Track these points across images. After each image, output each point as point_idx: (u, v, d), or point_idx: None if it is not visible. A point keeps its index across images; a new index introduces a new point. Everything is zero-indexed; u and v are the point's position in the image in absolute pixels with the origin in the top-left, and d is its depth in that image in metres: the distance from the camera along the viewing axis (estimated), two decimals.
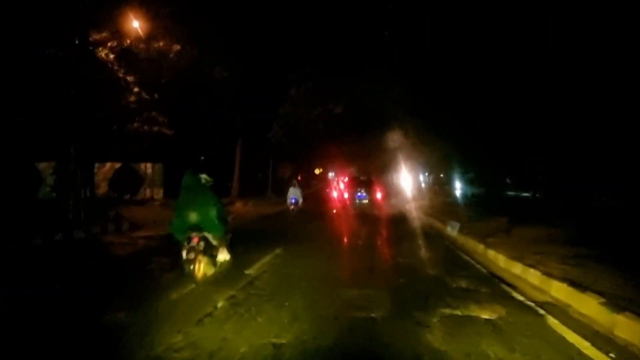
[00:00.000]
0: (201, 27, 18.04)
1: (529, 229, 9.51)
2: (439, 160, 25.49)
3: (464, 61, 17.87)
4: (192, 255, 5.39)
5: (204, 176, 5.87)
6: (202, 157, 24.33)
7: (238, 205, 18.71)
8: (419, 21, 19.38)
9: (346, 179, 27.58)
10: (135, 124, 17.89)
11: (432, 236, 10.97)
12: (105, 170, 18.91)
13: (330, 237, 10.92)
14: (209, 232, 5.60)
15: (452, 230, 10.93)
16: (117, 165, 18.88)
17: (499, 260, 7.26)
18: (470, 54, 17.54)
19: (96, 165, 18.97)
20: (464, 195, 21.21)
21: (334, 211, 19.52)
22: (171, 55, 17.75)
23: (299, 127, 21.36)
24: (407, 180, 28.59)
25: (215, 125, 19.98)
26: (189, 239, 5.47)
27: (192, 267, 5.40)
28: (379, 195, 20.51)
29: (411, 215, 16.37)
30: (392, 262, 7.43)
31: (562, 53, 13.69)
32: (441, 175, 33.71)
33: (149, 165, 18.99)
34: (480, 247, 8.35)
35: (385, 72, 21.20)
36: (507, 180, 22.18)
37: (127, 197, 18.44)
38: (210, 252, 5.69)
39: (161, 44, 17.70)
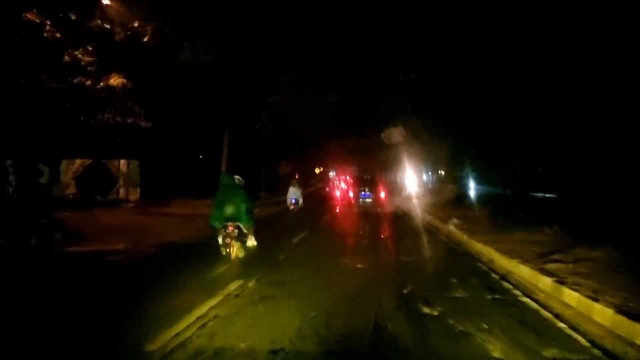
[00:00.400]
0: (179, 5, 14.85)
1: (598, 248, 6.35)
2: (446, 158, 22.64)
3: (471, 59, 15.37)
4: (227, 240, 6.16)
5: (237, 177, 6.60)
6: (201, 156, 21.53)
7: None
8: (420, 19, 17.06)
9: (348, 177, 25.38)
10: (107, 115, 14.81)
11: (457, 254, 7.77)
12: (75, 167, 15.85)
13: (319, 257, 7.61)
14: (240, 222, 6.30)
15: (482, 245, 7.75)
16: (88, 162, 15.80)
17: (594, 313, 4.07)
18: (476, 52, 15.10)
19: (64, 162, 15.94)
20: (477, 196, 18.06)
21: (335, 211, 16.89)
22: (146, 38, 14.69)
23: (290, 118, 18.11)
24: (412, 179, 25.73)
25: (198, 118, 16.86)
26: (225, 227, 6.20)
27: (227, 250, 6.19)
28: (382, 195, 18.01)
29: (422, 220, 13.19)
30: (413, 316, 4.21)
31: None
32: (441, 173, 30.50)
33: (123, 162, 15.91)
34: (545, 281, 5.15)
35: (385, 70, 18.54)
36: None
37: (98, 198, 15.38)
38: (241, 238, 6.35)
39: (136, 24, 14.65)
